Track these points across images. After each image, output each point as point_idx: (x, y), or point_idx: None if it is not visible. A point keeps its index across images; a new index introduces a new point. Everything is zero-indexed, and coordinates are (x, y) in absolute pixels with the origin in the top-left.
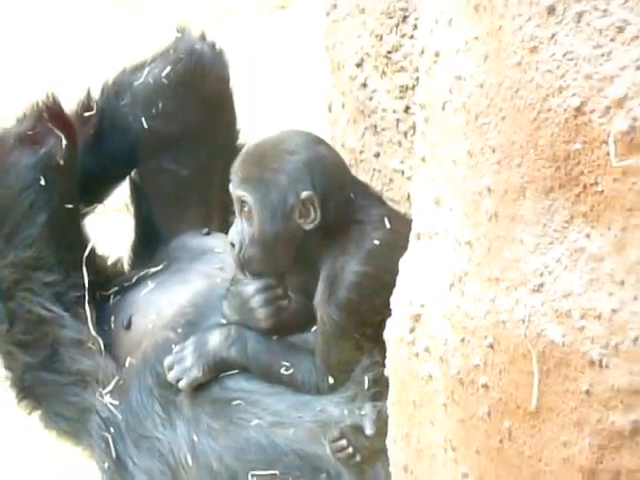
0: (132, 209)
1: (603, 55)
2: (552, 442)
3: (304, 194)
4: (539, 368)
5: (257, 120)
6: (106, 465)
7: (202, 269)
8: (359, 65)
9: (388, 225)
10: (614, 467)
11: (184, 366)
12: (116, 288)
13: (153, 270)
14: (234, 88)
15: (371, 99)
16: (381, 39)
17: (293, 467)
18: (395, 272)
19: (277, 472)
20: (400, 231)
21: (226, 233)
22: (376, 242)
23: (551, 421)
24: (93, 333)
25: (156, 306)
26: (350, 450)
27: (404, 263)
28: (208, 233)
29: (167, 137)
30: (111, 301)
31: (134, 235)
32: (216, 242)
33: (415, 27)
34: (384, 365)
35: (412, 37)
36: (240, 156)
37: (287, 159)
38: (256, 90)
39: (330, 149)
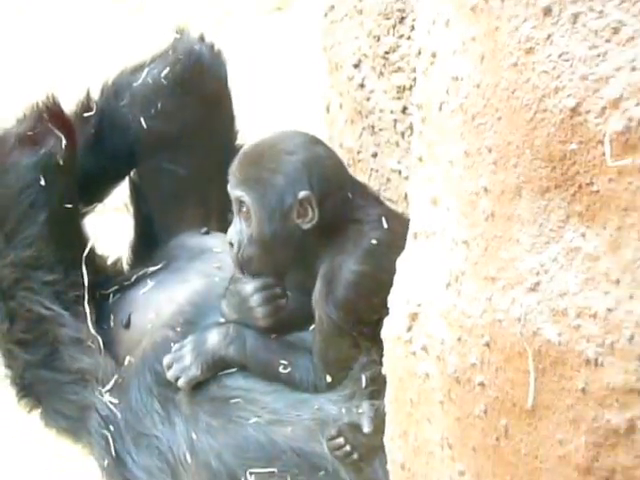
0: (131, 209)
1: (599, 56)
2: (548, 440)
3: (302, 194)
4: (535, 367)
5: (255, 120)
6: (105, 463)
7: (201, 268)
8: (357, 66)
9: (386, 225)
10: (609, 465)
11: (183, 364)
12: (115, 287)
13: (152, 269)
14: (233, 88)
15: (369, 99)
16: (378, 40)
17: (291, 465)
18: (392, 271)
19: (275, 470)
20: (397, 231)
21: (225, 232)
22: (374, 241)
23: (547, 419)
24: (93, 332)
25: (155, 305)
26: (348, 448)
27: (401, 262)
28: (207, 232)
29: (166, 137)
30: (110, 300)
31: (133, 234)
32: (215, 241)
33: (412, 28)
34: (381, 363)
35: (409, 38)
36: (238, 156)
37: (285, 159)
38: (255, 90)
39: (328, 149)
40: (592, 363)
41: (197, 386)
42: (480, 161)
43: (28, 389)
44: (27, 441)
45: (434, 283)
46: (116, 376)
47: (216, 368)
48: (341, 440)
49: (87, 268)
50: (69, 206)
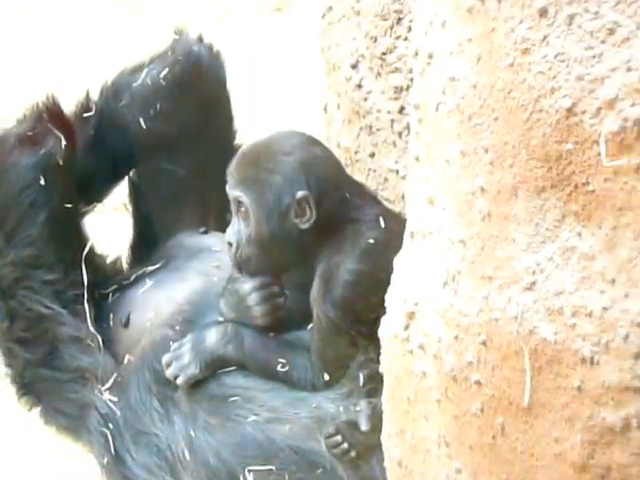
0: (130, 208)
1: (594, 57)
2: (544, 438)
3: (299, 194)
4: (531, 365)
5: (254, 120)
6: (105, 460)
7: (199, 267)
8: (354, 66)
9: (383, 224)
10: (605, 462)
11: (182, 363)
12: (115, 286)
13: (151, 268)
14: (232, 88)
15: (366, 100)
16: (376, 41)
17: (289, 462)
18: (390, 270)
19: (273, 467)
20: (395, 230)
21: (223, 232)
22: (371, 241)
23: (543, 417)
24: (92, 330)
25: (154, 304)
26: (345, 446)
27: (398, 262)
28: (205, 232)
29: (165, 137)
30: (110, 299)
31: (132, 234)
32: (213, 241)
33: (409, 29)
34: (379, 362)
35: (406, 39)
36: (236, 157)
37: (282, 159)
38: (253, 90)
39: (325, 149)
40: (588, 362)
41: (196, 384)
42: (476, 161)
43: (28, 387)
44: (27, 439)
45: (431, 282)
46: (115, 374)
47: (215, 367)
48: (339, 438)
49: (87, 267)
50: (69, 206)
